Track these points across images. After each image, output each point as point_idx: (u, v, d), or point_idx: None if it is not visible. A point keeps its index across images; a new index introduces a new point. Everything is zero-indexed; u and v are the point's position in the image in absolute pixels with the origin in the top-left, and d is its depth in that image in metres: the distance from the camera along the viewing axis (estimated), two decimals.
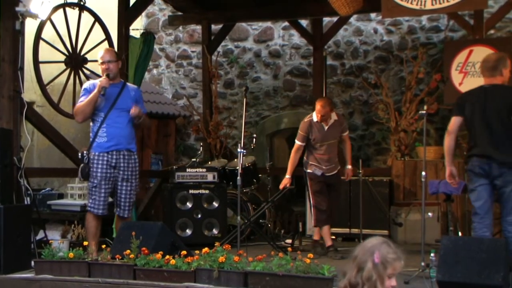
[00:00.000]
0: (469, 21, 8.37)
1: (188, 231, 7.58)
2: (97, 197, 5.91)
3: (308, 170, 7.01)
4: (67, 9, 7.52)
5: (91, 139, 5.99)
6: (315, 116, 6.96)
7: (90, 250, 5.43)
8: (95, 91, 5.87)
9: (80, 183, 8.06)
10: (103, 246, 5.53)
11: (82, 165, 5.92)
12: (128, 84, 6.38)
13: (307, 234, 8.38)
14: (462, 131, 9.80)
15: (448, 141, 5.51)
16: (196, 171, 7.76)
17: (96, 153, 5.91)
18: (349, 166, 7.17)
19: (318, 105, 6.93)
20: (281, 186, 7.05)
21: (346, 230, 8.09)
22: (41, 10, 6.80)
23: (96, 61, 8.02)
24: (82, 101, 5.97)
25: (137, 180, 6.20)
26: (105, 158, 5.91)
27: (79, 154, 6.01)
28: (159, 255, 5.06)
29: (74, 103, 7.60)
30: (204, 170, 7.79)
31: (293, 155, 7.02)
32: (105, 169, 5.91)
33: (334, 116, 7.03)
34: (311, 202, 7.00)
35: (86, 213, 6.10)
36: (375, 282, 2.62)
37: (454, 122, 5.53)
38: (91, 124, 6.11)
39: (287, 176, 7.01)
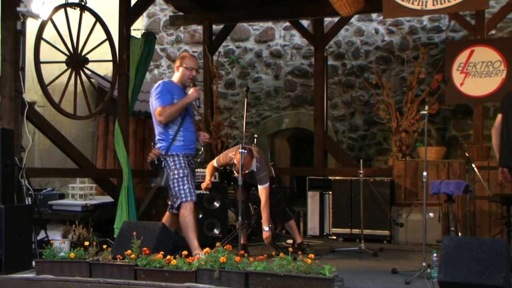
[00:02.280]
0: (470, 21, 8.37)
1: None
2: (191, 185, 5.76)
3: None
4: (68, 9, 7.52)
5: (165, 143, 5.80)
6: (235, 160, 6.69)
7: (194, 246, 5.55)
8: (186, 99, 5.80)
9: (81, 183, 8.09)
10: (104, 246, 5.53)
11: (163, 170, 5.77)
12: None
13: (308, 235, 8.39)
14: (464, 131, 9.83)
15: (493, 138, 5.91)
16: (197, 171, 7.75)
17: (176, 153, 5.80)
18: (266, 228, 6.55)
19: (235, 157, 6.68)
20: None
21: (347, 231, 8.09)
22: (42, 10, 6.81)
23: (96, 61, 8.09)
24: (166, 101, 5.74)
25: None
26: (185, 159, 5.81)
27: (154, 159, 5.79)
28: (160, 255, 5.06)
29: (75, 103, 7.63)
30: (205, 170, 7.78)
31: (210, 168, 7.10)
32: (188, 166, 5.82)
33: (254, 164, 6.68)
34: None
35: (181, 205, 5.72)
36: None
37: (498, 118, 5.97)
38: (159, 127, 5.84)
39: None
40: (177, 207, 5.78)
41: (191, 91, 5.84)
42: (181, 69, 5.91)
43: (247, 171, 6.62)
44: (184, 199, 5.71)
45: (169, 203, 5.95)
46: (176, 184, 5.74)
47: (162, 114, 5.74)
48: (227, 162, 6.93)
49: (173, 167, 5.75)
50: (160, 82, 5.97)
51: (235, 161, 6.74)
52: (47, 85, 7.27)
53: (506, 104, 5.97)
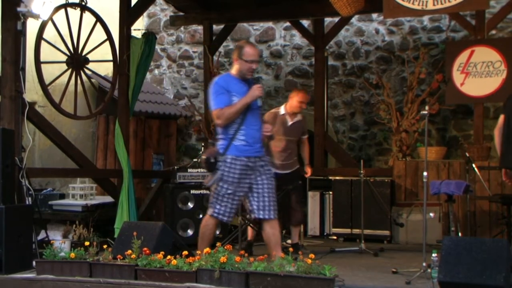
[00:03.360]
0: (470, 21, 8.37)
1: (190, 231, 7.57)
2: (229, 204, 5.29)
3: None
4: (69, 9, 7.53)
5: (224, 142, 5.32)
6: (283, 109, 6.98)
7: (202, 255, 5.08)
8: (247, 99, 5.25)
9: (81, 183, 8.09)
10: (105, 246, 5.53)
11: (216, 170, 5.27)
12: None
13: (308, 235, 8.38)
14: (464, 131, 9.84)
15: (496, 139, 5.94)
16: (198, 172, 7.76)
17: (234, 157, 5.26)
18: (308, 164, 7.22)
19: (297, 96, 6.91)
20: None
21: (348, 231, 8.09)
22: (42, 10, 6.81)
23: (97, 61, 8.10)
24: (223, 101, 5.24)
25: (272, 181, 5.48)
26: (243, 163, 5.25)
27: (210, 157, 5.29)
28: (160, 255, 5.06)
29: (75, 104, 7.63)
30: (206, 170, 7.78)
31: None
32: (243, 175, 5.26)
33: (299, 116, 7.04)
34: None
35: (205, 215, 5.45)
36: None
37: (500, 119, 5.96)
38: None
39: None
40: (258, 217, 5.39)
41: (252, 89, 5.28)
42: (239, 61, 5.33)
43: (291, 121, 6.80)
44: (211, 213, 5.33)
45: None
46: (215, 196, 5.30)
47: (220, 117, 5.25)
48: (271, 120, 6.72)
49: (222, 177, 5.24)
50: (215, 78, 5.51)
51: (281, 110, 6.84)
52: (47, 85, 7.27)
53: (509, 105, 5.97)
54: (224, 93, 5.25)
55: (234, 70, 5.40)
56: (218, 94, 5.27)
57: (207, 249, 5.00)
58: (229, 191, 5.25)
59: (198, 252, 5.13)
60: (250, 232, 7.01)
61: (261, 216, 5.33)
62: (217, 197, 5.30)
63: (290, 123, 6.94)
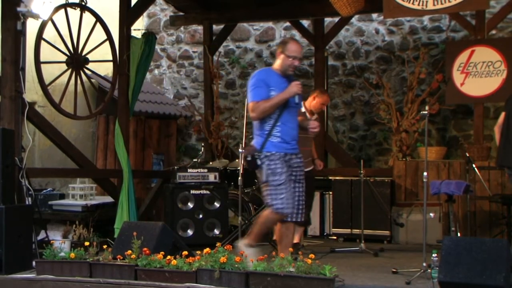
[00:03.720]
0: (470, 21, 8.37)
1: (190, 232, 7.57)
2: (287, 194, 5.09)
3: None
4: (69, 9, 7.53)
5: (260, 138, 5.21)
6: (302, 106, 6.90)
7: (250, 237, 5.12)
8: (284, 95, 5.13)
9: (81, 183, 8.08)
10: (105, 246, 5.53)
11: (260, 167, 5.14)
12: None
13: (308, 235, 8.38)
14: (464, 131, 9.84)
15: (496, 135, 6.03)
16: (198, 172, 7.76)
17: (272, 152, 5.16)
18: (317, 158, 7.24)
19: (321, 99, 6.96)
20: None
21: (348, 231, 8.09)
22: (42, 10, 6.82)
23: (96, 61, 8.09)
24: (260, 95, 5.14)
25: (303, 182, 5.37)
26: (281, 158, 5.17)
27: (248, 156, 5.19)
28: (160, 256, 5.06)
29: (75, 104, 7.63)
30: (206, 170, 7.79)
31: None
32: (286, 168, 5.17)
33: (315, 114, 7.12)
34: None
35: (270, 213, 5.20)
36: None
37: (501, 116, 6.00)
38: (256, 121, 5.28)
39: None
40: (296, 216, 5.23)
41: (290, 85, 5.17)
42: (282, 56, 5.24)
43: (312, 118, 6.71)
44: (275, 208, 5.09)
45: None
46: (269, 192, 5.12)
47: (255, 110, 5.15)
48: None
49: (269, 171, 5.12)
50: (257, 71, 5.45)
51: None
52: (47, 85, 7.27)
53: (510, 103, 6.00)
54: (262, 87, 5.16)
55: (276, 64, 5.31)
56: (255, 87, 5.18)
57: (207, 249, 5.00)
58: (282, 181, 5.10)
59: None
60: (297, 235, 6.72)
61: (291, 219, 5.19)
62: (273, 192, 5.11)
63: (310, 120, 6.88)
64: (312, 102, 7.03)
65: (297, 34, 10.46)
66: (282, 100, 5.13)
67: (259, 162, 5.15)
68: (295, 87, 5.15)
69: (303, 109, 6.80)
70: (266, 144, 5.17)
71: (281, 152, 5.16)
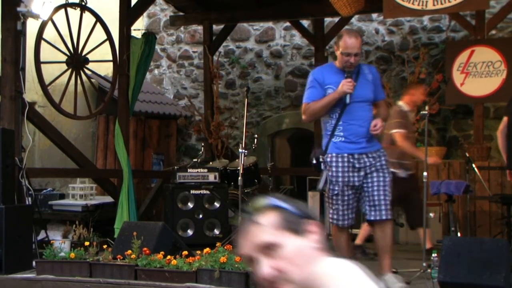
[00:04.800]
0: (470, 21, 8.37)
1: (190, 232, 7.57)
2: (340, 207, 4.77)
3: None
4: (69, 9, 7.53)
5: (325, 139, 4.90)
6: (404, 105, 6.41)
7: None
8: (334, 95, 4.71)
9: (81, 183, 8.08)
10: (105, 246, 5.53)
11: (324, 172, 4.80)
12: (363, 64, 5.13)
13: None
14: (464, 131, 9.82)
15: (499, 140, 5.95)
16: (198, 172, 7.76)
17: (334, 155, 4.79)
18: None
19: (418, 91, 6.52)
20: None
21: None
22: (42, 10, 6.81)
23: (96, 61, 8.10)
24: (312, 96, 4.81)
25: (389, 178, 4.84)
26: (345, 160, 4.76)
27: (313, 159, 4.86)
28: (160, 255, 5.06)
29: (75, 104, 7.63)
30: (206, 170, 7.79)
31: (406, 145, 6.14)
32: (346, 173, 4.75)
33: None
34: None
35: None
36: None
37: (503, 121, 5.96)
38: (322, 120, 5.00)
39: None
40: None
41: (341, 83, 4.72)
42: (337, 52, 4.82)
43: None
44: (331, 221, 4.86)
45: None
46: (328, 200, 4.88)
47: (305, 112, 4.86)
48: (405, 117, 6.20)
49: (329, 176, 4.75)
50: (314, 68, 5.13)
51: (402, 106, 6.25)
52: (47, 85, 7.27)
53: (511, 107, 5.99)
54: (315, 87, 4.81)
55: (337, 60, 4.89)
56: (308, 87, 4.87)
57: (207, 249, 5.01)
58: (335, 192, 4.76)
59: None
60: (360, 237, 6.60)
61: (372, 218, 4.77)
62: (329, 201, 4.84)
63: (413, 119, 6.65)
64: (414, 99, 6.51)
65: (297, 34, 10.46)
66: (332, 100, 4.73)
67: (322, 166, 4.79)
68: (345, 85, 4.69)
69: (404, 108, 6.37)
70: (329, 145, 4.82)
71: (344, 153, 4.75)
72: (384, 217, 4.73)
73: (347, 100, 4.72)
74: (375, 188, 4.75)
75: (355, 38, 4.74)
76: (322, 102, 4.74)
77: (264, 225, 1.63)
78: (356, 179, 4.76)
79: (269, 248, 1.61)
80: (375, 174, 4.75)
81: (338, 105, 4.74)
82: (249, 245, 1.64)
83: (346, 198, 4.76)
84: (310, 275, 1.60)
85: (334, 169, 4.75)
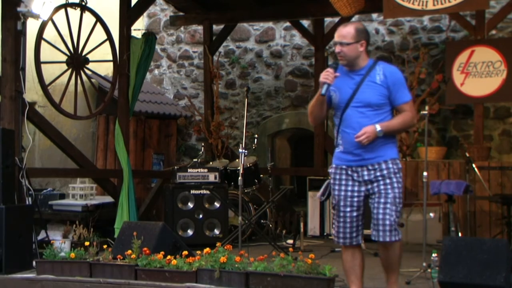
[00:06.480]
0: (470, 21, 8.36)
1: (190, 232, 7.58)
2: (341, 224, 4.34)
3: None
4: (69, 9, 7.53)
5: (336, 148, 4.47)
6: None
7: None
8: (319, 90, 4.29)
9: (81, 183, 8.08)
10: (105, 246, 5.53)
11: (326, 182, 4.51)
12: (381, 63, 4.44)
13: (308, 235, 8.38)
14: (464, 131, 9.83)
15: None
16: (198, 172, 7.76)
17: (334, 166, 4.40)
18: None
19: None
20: None
21: None
22: (42, 10, 6.82)
23: (97, 61, 8.09)
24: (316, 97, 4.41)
25: (395, 193, 4.27)
26: (343, 172, 4.33)
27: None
28: (160, 255, 5.06)
29: (75, 104, 7.64)
30: (206, 170, 7.79)
31: None
32: (344, 186, 4.33)
33: None
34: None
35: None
36: None
37: None
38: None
39: None
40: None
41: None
42: None
43: None
44: (335, 240, 4.44)
45: None
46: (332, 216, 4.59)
47: (309, 114, 4.48)
48: None
49: (330, 188, 4.41)
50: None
51: None
52: (47, 85, 7.28)
53: None
54: (321, 87, 4.30)
55: None
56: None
57: (207, 249, 5.01)
58: (335, 206, 4.36)
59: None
60: None
61: (374, 239, 4.29)
62: (333, 214, 4.44)
63: None
64: None
65: (297, 34, 10.46)
66: (317, 96, 4.29)
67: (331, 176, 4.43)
68: (322, 74, 4.24)
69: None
70: (334, 154, 4.43)
71: (342, 165, 4.33)
72: (387, 239, 4.22)
73: (323, 91, 4.21)
74: (380, 206, 4.23)
75: (343, 27, 4.34)
76: (312, 100, 4.39)
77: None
78: (356, 194, 4.30)
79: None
80: (376, 190, 4.25)
81: (337, 109, 4.35)
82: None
83: (342, 214, 4.31)
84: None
85: (332, 181, 4.37)
